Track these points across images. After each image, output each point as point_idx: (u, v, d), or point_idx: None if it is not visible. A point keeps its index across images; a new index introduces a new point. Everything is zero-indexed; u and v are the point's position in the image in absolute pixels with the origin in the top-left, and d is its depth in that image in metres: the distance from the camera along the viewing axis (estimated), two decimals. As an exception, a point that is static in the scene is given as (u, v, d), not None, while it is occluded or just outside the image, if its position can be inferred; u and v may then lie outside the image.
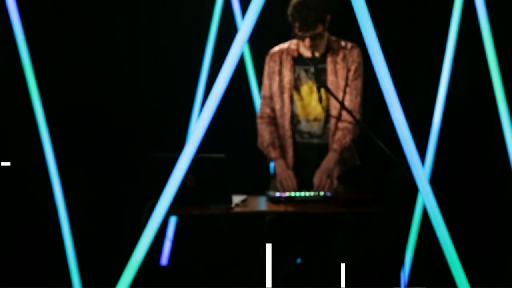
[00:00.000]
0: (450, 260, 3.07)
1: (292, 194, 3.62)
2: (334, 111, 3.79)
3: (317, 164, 3.82)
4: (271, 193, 3.67)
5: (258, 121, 3.96)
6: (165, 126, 5.11)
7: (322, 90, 3.75)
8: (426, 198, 2.83)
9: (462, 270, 3.12)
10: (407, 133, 2.83)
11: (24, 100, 4.69)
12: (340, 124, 3.81)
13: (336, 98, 3.64)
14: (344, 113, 3.80)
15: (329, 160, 3.78)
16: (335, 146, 3.80)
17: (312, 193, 3.63)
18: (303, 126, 3.86)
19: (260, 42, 4.97)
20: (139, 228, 3.30)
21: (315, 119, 3.84)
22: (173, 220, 4.98)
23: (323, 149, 3.84)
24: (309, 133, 3.86)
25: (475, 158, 4.91)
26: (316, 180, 3.72)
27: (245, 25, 2.84)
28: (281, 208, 3.49)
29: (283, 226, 3.84)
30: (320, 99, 3.66)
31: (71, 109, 4.99)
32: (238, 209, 3.50)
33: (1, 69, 4.79)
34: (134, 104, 5.11)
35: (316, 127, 3.85)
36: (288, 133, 3.84)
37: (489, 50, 4.41)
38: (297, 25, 3.70)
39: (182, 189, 3.34)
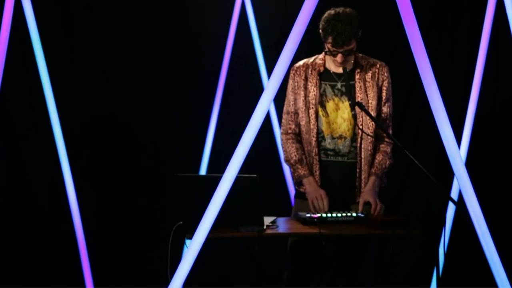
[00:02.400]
0: (491, 261, 2.94)
1: (324, 215, 3.51)
2: (366, 130, 3.68)
3: (341, 184, 3.72)
4: (301, 214, 3.55)
5: (283, 137, 3.83)
6: (181, 145, 5.04)
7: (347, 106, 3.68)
8: (478, 228, 2.74)
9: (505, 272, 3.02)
10: (457, 152, 2.74)
11: (42, 118, 4.64)
12: (380, 146, 3.73)
13: (370, 116, 3.54)
14: (380, 134, 3.73)
15: (373, 183, 3.68)
16: (375, 170, 3.70)
17: (344, 214, 3.52)
18: (328, 143, 3.73)
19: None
20: (163, 249, 3.23)
21: (340, 137, 3.72)
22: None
23: (349, 168, 3.73)
24: (334, 150, 3.73)
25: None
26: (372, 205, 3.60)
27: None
28: (315, 230, 3.38)
29: (306, 249, 3.74)
30: (354, 116, 3.56)
31: (85, 126, 4.93)
32: (270, 231, 3.38)
33: (19, 87, 4.74)
34: (149, 121, 5.05)
35: (341, 145, 3.73)
36: (314, 150, 3.72)
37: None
38: (330, 40, 3.57)
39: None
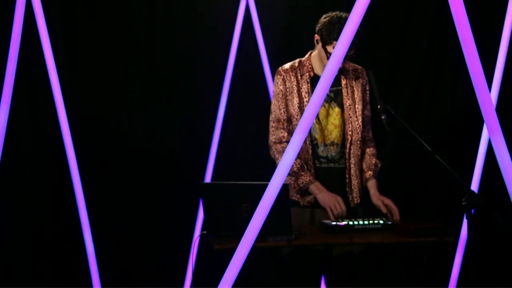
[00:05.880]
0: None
1: (351, 222, 3.42)
2: (355, 135, 3.66)
3: (337, 190, 3.61)
4: (326, 221, 3.45)
5: (276, 147, 3.63)
6: (185, 150, 4.97)
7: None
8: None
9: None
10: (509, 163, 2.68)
11: (48, 118, 4.62)
12: (367, 150, 3.74)
13: (400, 119, 3.49)
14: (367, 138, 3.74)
15: (376, 186, 3.66)
16: (373, 173, 3.69)
17: (371, 221, 3.43)
18: (321, 151, 3.66)
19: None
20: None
21: (332, 143, 3.66)
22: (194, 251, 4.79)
23: (342, 174, 3.68)
24: (326, 158, 3.67)
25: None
26: (389, 206, 3.57)
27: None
28: (345, 239, 3.28)
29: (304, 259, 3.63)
30: (385, 120, 3.43)
31: (90, 127, 4.87)
32: (299, 241, 3.27)
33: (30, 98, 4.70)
34: (153, 124, 4.97)
35: (333, 152, 3.66)
36: (311, 158, 3.63)
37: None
38: (334, 43, 3.43)
39: (237, 219, 3.14)
